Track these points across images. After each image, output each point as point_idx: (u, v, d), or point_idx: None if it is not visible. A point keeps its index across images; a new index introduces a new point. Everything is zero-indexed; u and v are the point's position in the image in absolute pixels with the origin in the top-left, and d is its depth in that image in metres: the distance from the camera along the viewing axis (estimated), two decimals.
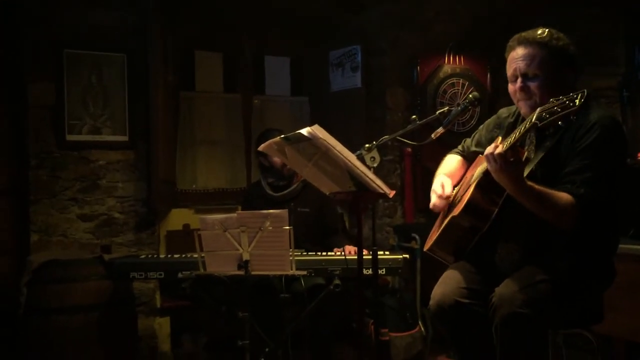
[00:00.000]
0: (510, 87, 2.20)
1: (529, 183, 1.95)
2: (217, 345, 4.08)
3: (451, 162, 2.58)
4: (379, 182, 2.02)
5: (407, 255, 3.25)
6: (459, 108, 2.28)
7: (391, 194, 2.09)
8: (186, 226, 4.52)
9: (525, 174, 1.98)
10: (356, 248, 3.32)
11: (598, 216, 2.03)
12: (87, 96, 4.02)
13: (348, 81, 4.85)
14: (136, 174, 4.15)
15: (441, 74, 4.81)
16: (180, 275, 3.15)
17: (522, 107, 2.18)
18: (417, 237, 4.24)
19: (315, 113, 5.03)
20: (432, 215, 4.65)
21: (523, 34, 2.17)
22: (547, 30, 2.14)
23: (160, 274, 3.19)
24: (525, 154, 1.96)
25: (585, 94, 1.76)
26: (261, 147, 2.30)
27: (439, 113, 2.35)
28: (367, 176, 1.98)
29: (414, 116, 2.42)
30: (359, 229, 2.17)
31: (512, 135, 1.92)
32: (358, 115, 4.72)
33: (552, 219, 2.00)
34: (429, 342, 4.15)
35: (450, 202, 2.36)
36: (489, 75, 4.97)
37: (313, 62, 5.11)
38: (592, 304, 2.18)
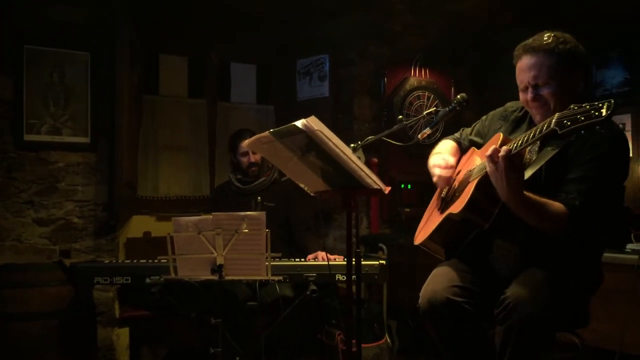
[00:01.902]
0: (522, 97, 2.14)
1: (526, 193, 1.90)
2: (178, 357, 3.94)
3: (446, 145, 2.50)
4: (374, 177, 1.97)
5: (383, 261, 3.22)
6: (447, 109, 2.28)
7: (387, 190, 2.04)
8: (147, 233, 4.37)
9: (527, 176, 1.93)
10: (334, 256, 3.35)
11: (594, 227, 2.01)
12: (48, 94, 3.86)
13: (315, 90, 4.83)
14: (97, 177, 3.98)
15: (407, 86, 4.85)
16: (148, 280, 3.02)
17: (536, 115, 2.12)
18: (384, 247, 4.22)
19: (281, 122, 4.96)
20: (398, 227, 4.72)
21: (529, 41, 2.10)
22: (552, 35, 2.08)
23: (127, 279, 3.05)
24: (527, 155, 1.94)
25: (613, 104, 1.65)
26: (246, 143, 2.23)
27: (427, 113, 2.33)
28: (363, 170, 1.93)
29: (400, 116, 2.40)
30: (348, 227, 2.10)
31: (522, 137, 1.84)
32: (325, 125, 4.67)
33: (542, 228, 1.98)
34: (395, 354, 4.12)
35: (445, 196, 2.33)
36: (453, 89, 5.04)
37: (280, 70, 5.07)
38: (580, 307, 2.19)
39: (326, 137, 1.85)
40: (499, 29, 4.70)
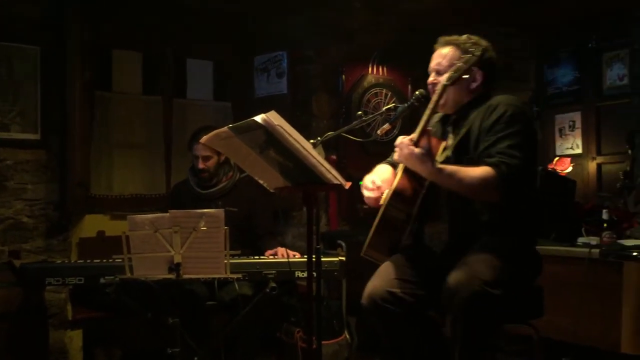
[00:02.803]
0: (429, 80, 2.37)
1: (439, 165, 2.06)
2: (133, 359, 3.85)
3: (380, 168, 2.58)
4: (334, 172, 1.97)
5: (343, 257, 3.22)
6: (406, 105, 2.29)
7: (347, 185, 2.04)
8: (100, 233, 4.26)
9: (442, 159, 2.15)
10: (294, 252, 3.33)
11: (520, 192, 2.13)
12: None
13: (273, 87, 4.80)
14: (48, 175, 3.86)
15: (365, 83, 4.88)
16: (102, 280, 2.94)
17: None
18: (342, 244, 4.23)
19: (239, 119, 4.88)
20: (356, 224, 4.73)
21: (445, 37, 2.39)
22: (470, 36, 2.34)
23: (80, 280, 2.97)
24: (443, 143, 2.19)
25: (484, 46, 2.19)
26: (203, 139, 2.19)
27: (386, 109, 2.34)
28: (324, 166, 1.93)
29: (359, 112, 2.41)
30: (309, 223, 2.09)
31: (422, 118, 2.11)
32: None
33: (476, 193, 2.10)
34: (354, 350, 4.13)
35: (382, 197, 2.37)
36: (410, 87, 5.09)
37: (237, 66, 5.02)
38: (533, 297, 2.24)
39: (286, 132, 1.83)
40: (453, 28, 4.77)
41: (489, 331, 2.04)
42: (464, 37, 2.34)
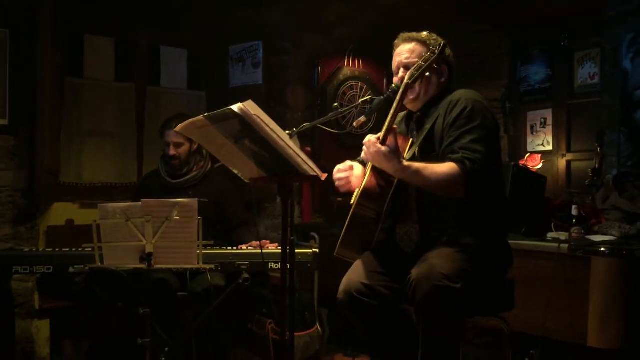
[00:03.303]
0: (395, 80, 2.37)
1: (406, 162, 2.07)
2: (102, 349, 3.80)
3: (350, 162, 2.58)
4: (311, 163, 1.96)
5: (316, 250, 3.22)
6: (382, 97, 2.29)
7: (323, 176, 2.04)
8: (70, 221, 4.18)
9: (408, 157, 2.19)
10: (267, 242, 3.31)
11: (486, 187, 2.15)
12: None
13: (248, 77, 4.77)
14: (16, 161, 3.78)
15: (341, 76, 4.88)
16: (71, 269, 2.89)
17: (409, 95, 2.31)
18: (316, 236, 4.23)
19: (213, 108, 4.84)
20: (329, 216, 4.73)
21: (407, 33, 2.41)
22: (429, 32, 2.39)
23: (49, 268, 2.91)
24: (409, 141, 2.24)
25: (442, 43, 2.20)
26: (179, 128, 2.15)
27: (362, 102, 2.34)
28: (300, 157, 1.92)
29: (335, 104, 2.40)
30: (284, 214, 2.08)
31: (388, 117, 2.12)
32: None
33: (443, 189, 2.11)
34: (326, 342, 4.14)
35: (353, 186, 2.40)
36: (385, 80, 5.10)
37: (212, 55, 4.97)
38: (503, 290, 2.27)
39: (263, 122, 1.82)
40: (427, 24, 4.80)
41: (452, 324, 2.06)
42: (425, 33, 2.38)
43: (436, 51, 2.17)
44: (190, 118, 3.43)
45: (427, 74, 2.20)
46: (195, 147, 3.52)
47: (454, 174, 2.05)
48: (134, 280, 2.91)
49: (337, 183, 2.41)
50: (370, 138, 2.09)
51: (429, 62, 2.16)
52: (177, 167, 3.50)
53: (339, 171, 2.40)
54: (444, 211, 2.21)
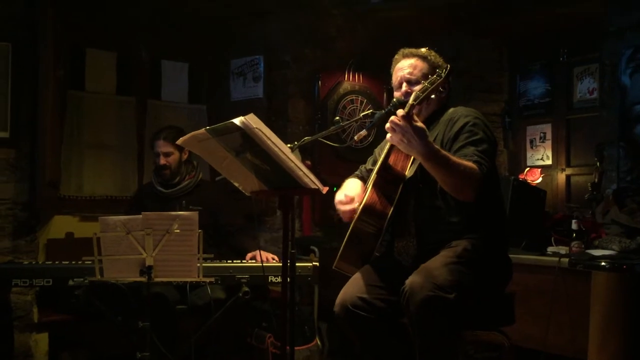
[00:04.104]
0: (397, 94, 2.39)
1: (435, 146, 2.03)
2: None
3: (350, 183, 2.59)
4: (312, 176, 1.97)
5: (317, 263, 3.22)
6: (384, 111, 2.29)
7: (324, 190, 2.04)
8: (69, 234, 4.19)
9: (410, 174, 2.20)
10: (271, 255, 3.32)
11: (485, 198, 2.16)
12: None
13: (249, 91, 4.79)
14: (17, 174, 3.77)
15: (341, 90, 4.89)
16: (71, 282, 2.88)
17: None
18: (315, 249, 4.22)
19: (214, 122, 4.87)
20: (329, 230, 4.73)
21: (407, 49, 2.43)
22: (427, 48, 2.42)
23: (48, 281, 2.91)
24: (411, 158, 2.20)
25: (449, 68, 2.18)
26: (180, 141, 2.16)
27: (363, 115, 2.35)
28: (301, 170, 1.92)
29: (337, 117, 2.41)
30: (285, 227, 2.08)
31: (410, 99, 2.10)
32: None
33: (460, 184, 2.08)
34: (325, 356, 4.12)
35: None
36: (385, 95, 5.12)
37: (213, 69, 4.99)
38: (503, 304, 2.27)
39: (265, 135, 1.83)
40: (426, 38, 4.83)
41: (446, 335, 2.04)
42: (424, 50, 2.40)
43: (442, 74, 2.16)
44: (180, 129, 3.53)
45: (433, 96, 2.19)
46: (185, 156, 3.58)
47: (474, 171, 2.06)
48: (134, 293, 2.91)
49: (341, 215, 2.38)
50: (401, 113, 1.99)
51: (435, 85, 2.14)
52: (169, 177, 3.54)
53: (341, 203, 2.36)
54: (442, 225, 2.21)
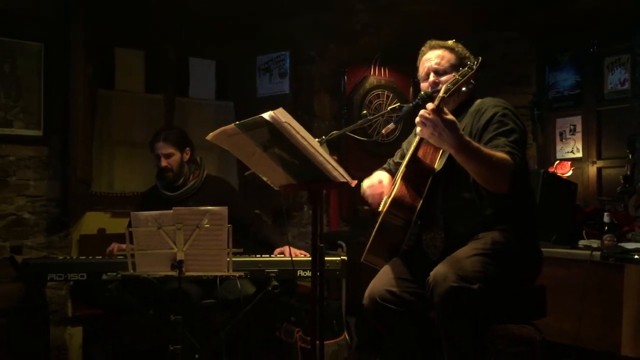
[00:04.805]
0: (424, 85, 2.39)
1: (467, 137, 2.02)
2: (133, 356, 3.84)
3: (380, 176, 2.57)
4: (341, 170, 1.97)
5: (345, 257, 3.23)
6: (411, 104, 2.29)
7: (353, 183, 2.05)
8: (101, 230, 4.26)
9: (439, 166, 2.19)
10: (299, 251, 3.33)
11: (516, 190, 2.13)
12: None
13: (275, 87, 4.81)
14: (50, 172, 3.87)
15: (367, 85, 4.89)
16: (104, 276, 2.94)
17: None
18: (343, 244, 4.23)
19: (241, 118, 4.89)
20: (356, 225, 4.73)
21: (433, 41, 2.43)
22: (453, 40, 2.43)
23: (82, 276, 2.96)
24: (440, 150, 2.18)
25: (480, 60, 2.14)
26: (210, 137, 2.18)
27: (390, 109, 2.34)
28: (330, 163, 1.93)
29: (364, 111, 2.41)
30: (314, 221, 2.10)
31: (439, 94, 2.07)
32: None
33: (493, 176, 2.05)
34: (353, 350, 4.13)
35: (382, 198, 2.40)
36: (411, 89, 5.10)
37: (239, 66, 5.03)
38: (534, 297, 2.25)
39: (294, 129, 1.84)
40: (452, 32, 4.79)
41: (472, 326, 2.02)
42: (451, 42, 2.40)
43: (474, 66, 2.13)
44: (180, 130, 3.53)
45: (464, 89, 2.16)
46: (187, 156, 3.47)
47: (507, 161, 2.04)
48: (165, 287, 2.95)
49: (369, 200, 2.40)
50: (431, 106, 1.97)
51: (466, 77, 2.11)
52: (172, 180, 3.43)
53: (371, 187, 2.39)
54: (472, 217, 2.20)
